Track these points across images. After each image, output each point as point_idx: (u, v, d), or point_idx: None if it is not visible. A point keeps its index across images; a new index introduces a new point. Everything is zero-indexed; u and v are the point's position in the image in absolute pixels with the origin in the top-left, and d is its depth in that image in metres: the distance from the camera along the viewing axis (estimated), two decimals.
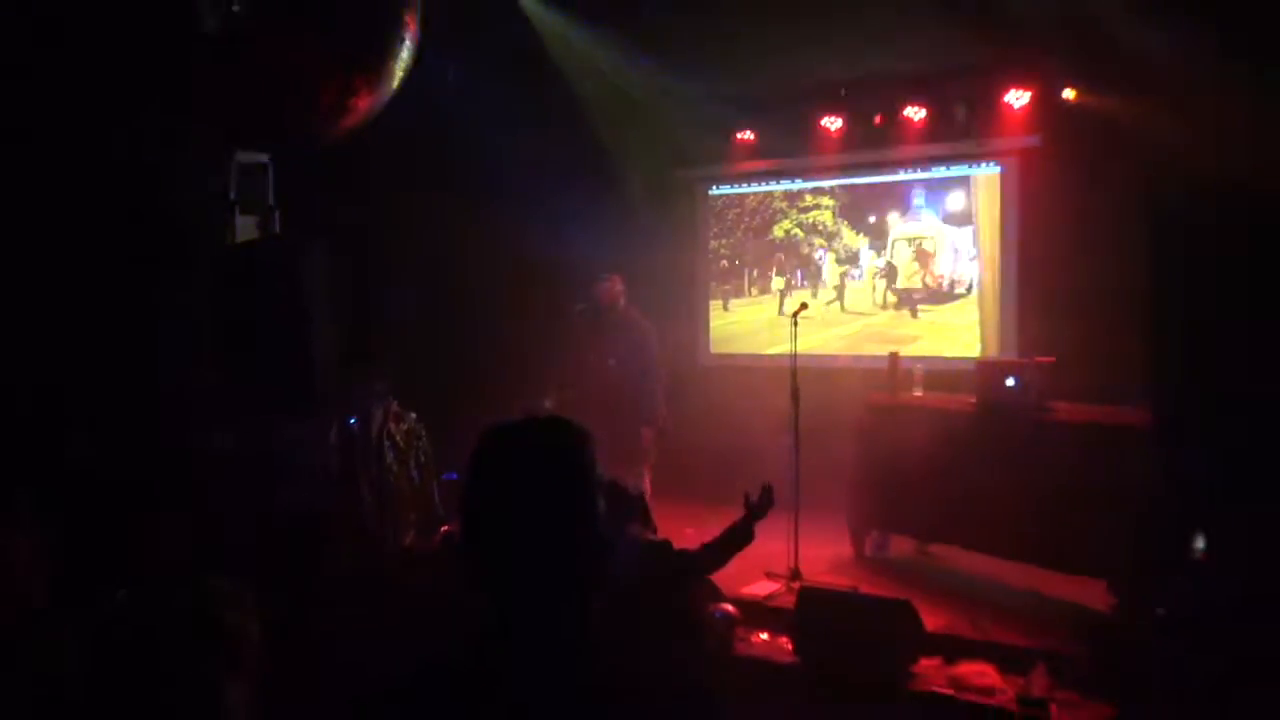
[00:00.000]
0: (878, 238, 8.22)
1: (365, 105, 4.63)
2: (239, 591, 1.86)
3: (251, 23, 4.10)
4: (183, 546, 4.76)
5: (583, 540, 1.43)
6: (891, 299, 8.15)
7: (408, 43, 4.53)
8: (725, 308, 8.99)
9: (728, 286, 8.97)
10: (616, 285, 6.76)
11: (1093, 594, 5.02)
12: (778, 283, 8.68)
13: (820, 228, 8.53)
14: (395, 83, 4.63)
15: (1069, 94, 6.93)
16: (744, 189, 8.87)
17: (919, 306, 8.03)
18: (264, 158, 5.84)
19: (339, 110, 4.59)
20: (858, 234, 8.33)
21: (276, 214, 5.98)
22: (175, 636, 1.74)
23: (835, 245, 8.45)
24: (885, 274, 8.18)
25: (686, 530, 7.11)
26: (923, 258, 8.01)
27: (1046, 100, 7.08)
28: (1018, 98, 7.12)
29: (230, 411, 5.30)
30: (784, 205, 8.70)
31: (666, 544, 4.07)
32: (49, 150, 4.85)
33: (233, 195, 5.78)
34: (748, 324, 8.88)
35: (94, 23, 4.70)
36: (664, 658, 1.51)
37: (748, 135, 8.47)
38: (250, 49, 4.16)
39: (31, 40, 4.69)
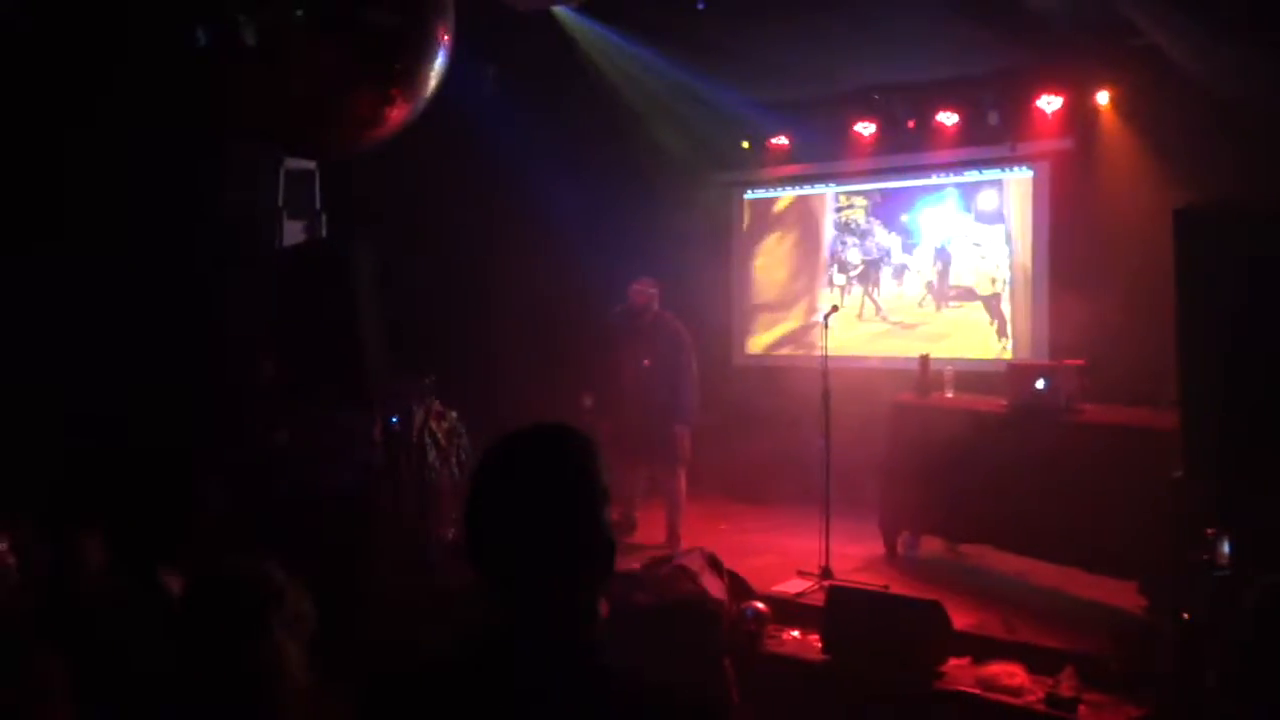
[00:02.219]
0: (910, 237, 8.28)
1: (400, 116, 4.74)
2: (294, 579, 2.08)
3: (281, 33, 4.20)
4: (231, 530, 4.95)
5: (585, 545, 1.47)
6: (923, 296, 8.20)
7: (442, 53, 4.64)
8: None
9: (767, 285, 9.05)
10: (649, 288, 6.88)
11: (1124, 595, 5.04)
12: (828, 294, 8.67)
13: (853, 226, 8.60)
14: (429, 92, 4.74)
15: (1103, 98, 6.94)
16: (778, 192, 8.95)
17: (951, 304, 8.08)
18: (311, 164, 6.02)
19: (373, 121, 4.70)
20: (890, 233, 8.39)
21: (323, 218, 6.16)
22: (247, 603, 1.96)
23: (868, 244, 8.51)
24: (919, 272, 8.23)
25: (721, 526, 7.27)
26: (955, 257, 8.06)
27: (1079, 104, 7.09)
28: (1050, 102, 7.14)
29: (285, 407, 5.49)
30: (817, 205, 8.78)
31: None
32: (103, 166, 5.04)
33: (280, 201, 5.96)
34: (783, 324, 8.97)
35: (146, 37, 4.87)
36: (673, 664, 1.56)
37: (782, 140, 8.55)
38: (285, 60, 4.26)
39: (90, 61, 4.88)
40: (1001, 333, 7.83)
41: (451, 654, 1.49)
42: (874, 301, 8.47)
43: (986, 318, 7.89)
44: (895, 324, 8.34)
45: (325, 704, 1.98)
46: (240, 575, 2.04)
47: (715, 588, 4.89)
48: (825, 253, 8.73)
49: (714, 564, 5.08)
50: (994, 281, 7.86)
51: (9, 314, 4.76)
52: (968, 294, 8.00)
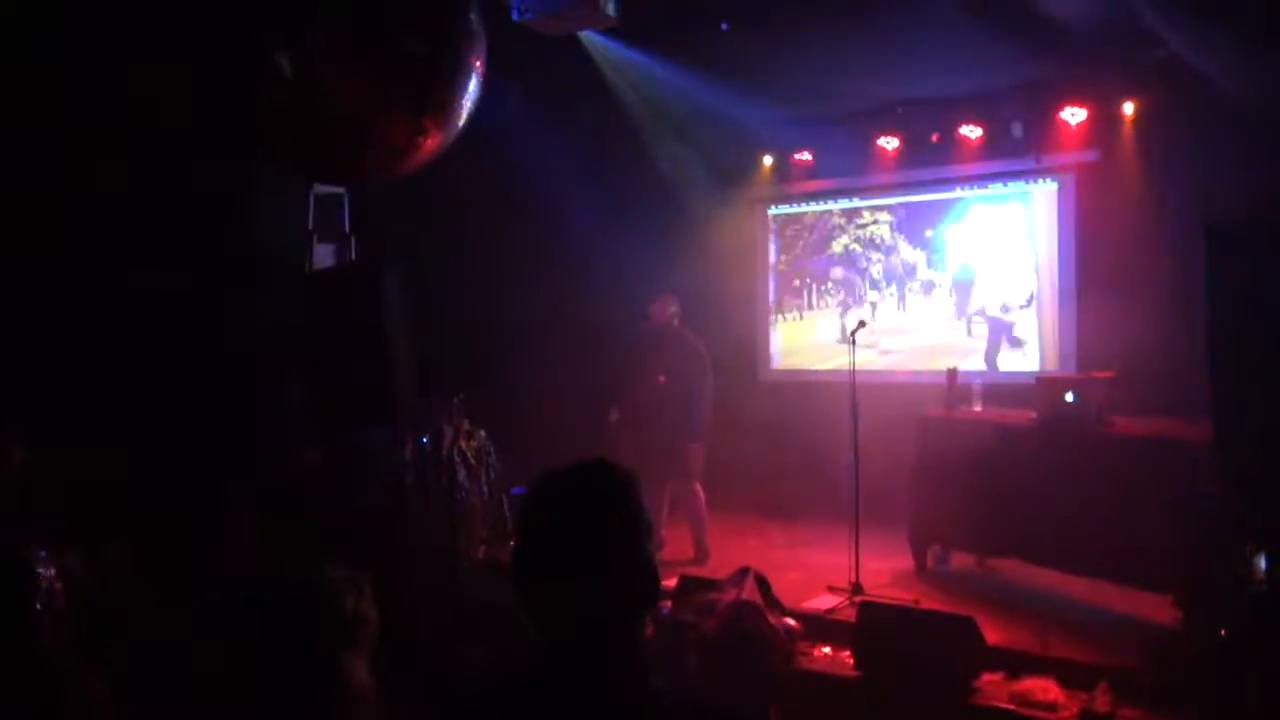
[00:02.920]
0: (935, 252, 8.27)
1: (434, 145, 4.81)
2: (358, 579, 2.08)
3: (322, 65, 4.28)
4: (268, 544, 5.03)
5: (631, 578, 1.52)
6: (949, 311, 8.19)
7: (474, 82, 4.70)
8: (800, 318, 9.05)
9: (799, 301, 9.06)
10: (670, 305, 6.93)
11: (1159, 609, 4.99)
12: (854, 310, 8.65)
13: (878, 242, 8.59)
14: (463, 121, 4.81)
15: (1128, 109, 6.92)
16: (802, 208, 8.97)
17: (976, 318, 8.06)
18: (340, 190, 6.11)
19: (408, 150, 4.76)
20: (915, 248, 8.38)
21: (353, 241, 6.25)
22: (301, 620, 1.96)
23: (893, 259, 8.51)
24: (944, 287, 8.22)
25: (749, 542, 7.25)
26: (980, 271, 8.04)
27: (1104, 116, 7.07)
28: (1074, 114, 7.12)
29: (317, 428, 5.56)
30: (841, 221, 8.79)
31: None
32: (136, 190, 5.13)
33: (311, 225, 6.05)
34: (807, 339, 8.97)
35: (180, 66, 4.96)
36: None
37: (805, 156, 8.57)
38: (321, 91, 4.34)
39: (126, 85, 4.98)
40: (1028, 343, 7.81)
41: (493, 680, 1.54)
42: (899, 317, 8.45)
43: (1009, 338, 7.88)
44: (921, 338, 8.32)
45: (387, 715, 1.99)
46: (293, 588, 2.03)
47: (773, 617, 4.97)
48: (850, 269, 8.73)
49: (763, 585, 5.13)
50: (1005, 310, 7.84)
51: (40, 335, 4.85)
52: (992, 310, 7.98)
